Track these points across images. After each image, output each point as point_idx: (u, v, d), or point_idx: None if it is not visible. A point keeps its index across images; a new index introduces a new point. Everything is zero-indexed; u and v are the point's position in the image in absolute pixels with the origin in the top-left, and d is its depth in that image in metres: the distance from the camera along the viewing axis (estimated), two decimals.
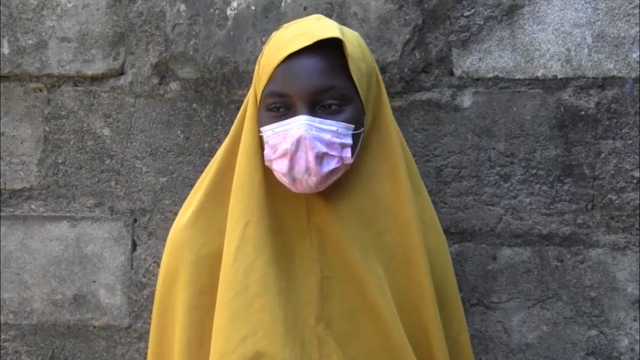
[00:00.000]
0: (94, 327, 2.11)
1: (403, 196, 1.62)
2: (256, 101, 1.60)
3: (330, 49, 1.54)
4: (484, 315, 1.99)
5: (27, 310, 2.13)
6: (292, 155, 1.52)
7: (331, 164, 1.54)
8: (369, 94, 1.60)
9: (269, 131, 1.55)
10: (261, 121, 1.58)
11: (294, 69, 1.53)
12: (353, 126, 1.55)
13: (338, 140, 1.54)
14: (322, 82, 1.53)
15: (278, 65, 1.54)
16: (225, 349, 1.54)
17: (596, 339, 1.96)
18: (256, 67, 1.64)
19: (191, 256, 1.63)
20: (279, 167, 1.55)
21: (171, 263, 1.66)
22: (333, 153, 1.54)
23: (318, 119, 1.53)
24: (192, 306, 1.62)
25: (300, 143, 1.52)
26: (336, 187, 1.59)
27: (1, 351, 2.14)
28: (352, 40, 1.59)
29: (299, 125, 1.52)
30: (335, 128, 1.54)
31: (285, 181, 1.56)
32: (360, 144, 1.59)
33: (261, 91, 1.57)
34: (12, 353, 2.14)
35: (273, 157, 1.56)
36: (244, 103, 1.67)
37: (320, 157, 1.53)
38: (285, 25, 1.64)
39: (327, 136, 1.53)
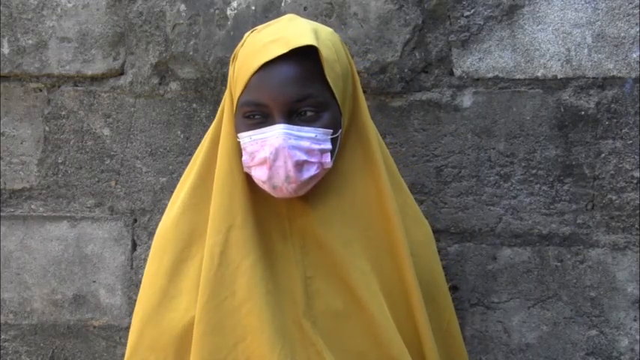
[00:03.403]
0: (94, 327, 2.11)
1: (383, 191, 1.62)
2: (232, 105, 1.60)
3: (304, 54, 1.53)
4: (484, 315, 1.99)
5: (27, 310, 2.13)
6: (271, 164, 1.52)
7: (311, 171, 1.54)
8: (345, 94, 1.60)
9: (246, 138, 1.55)
10: (237, 127, 1.57)
11: (270, 78, 1.52)
12: (331, 131, 1.55)
13: (317, 146, 1.54)
14: (299, 92, 1.52)
15: (253, 74, 1.53)
16: (216, 356, 1.54)
17: (596, 339, 1.96)
18: (230, 69, 1.62)
19: (171, 259, 1.63)
20: (259, 175, 1.55)
21: (152, 265, 1.66)
22: (312, 160, 1.54)
23: (296, 127, 1.53)
24: (158, 304, 1.61)
25: (279, 152, 1.51)
26: (316, 188, 1.59)
27: (1, 351, 2.14)
28: (327, 41, 1.58)
29: (277, 134, 1.52)
30: (313, 135, 1.53)
31: (265, 187, 1.56)
32: (338, 145, 1.59)
33: (237, 98, 1.56)
34: (12, 353, 2.14)
35: (251, 164, 1.55)
36: (222, 104, 1.66)
37: (300, 165, 1.53)
38: (259, 28, 1.62)
39: (306, 144, 1.53)
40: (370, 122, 1.66)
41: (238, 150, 1.59)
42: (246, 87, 1.54)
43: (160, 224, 1.69)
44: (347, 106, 1.61)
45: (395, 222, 1.61)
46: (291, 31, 1.57)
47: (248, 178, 1.59)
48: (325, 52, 1.54)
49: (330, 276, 1.60)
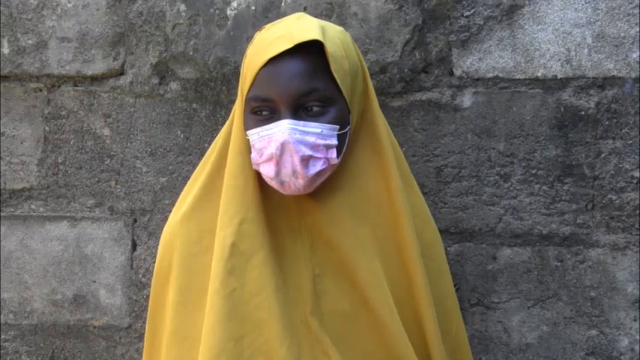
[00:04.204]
0: (94, 327, 2.11)
1: (394, 190, 1.62)
2: (242, 103, 1.60)
3: (311, 50, 1.54)
4: (484, 315, 1.99)
5: (27, 310, 2.13)
6: (278, 160, 1.53)
7: (317, 166, 1.54)
8: (353, 92, 1.60)
9: (254, 135, 1.56)
10: (246, 124, 1.58)
11: (276, 73, 1.53)
12: (337, 127, 1.55)
13: (323, 142, 1.54)
14: (304, 86, 1.53)
15: (260, 69, 1.54)
16: (222, 347, 1.54)
17: (596, 339, 1.96)
18: (242, 67, 1.64)
19: (181, 253, 1.63)
20: (267, 171, 1.56)
21: (163, 260, 1.67)
22: (318, 155, 1.54)
23: (301, 122, 1.53)
24: (177, 301, 1.62)
25: (284, 147, 1.52)
26: (326, 186, 1.60)
27: (1, 351, 2.14)
28: (334, 38, 1.58)
29: (282, 130, 1.52)
30: (319, 130, 1.54)
31: (273, 184, 1.57)
32: (347, 142, 1.59)
33: (245, 94, 1.57)
34: (12, 353, 2.14)
35: (260, 161, 1.56)
36: (235, 104, 1.67)
37: (306, 160, 1.53)
38: (268, 26, 1.64)
39: (312, 139, 1.53)
40: (382, 121, 1.66)
41: (250, 147, 1.59)
42: (253, 82, 1.55)
43: (169, 221, 1.69)
44: (356, 104, 1.61)
45: (405, 222, 1.61)
46: (298, 27, 1.57)
47: (258, 176, 1.60)
48: (332, 48, 1.55)
49: (338, 275, 1.60)
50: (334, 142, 1.55)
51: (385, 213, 1.63)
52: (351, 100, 1.59)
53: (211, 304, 1.56)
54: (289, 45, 1.52)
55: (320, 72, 1.54)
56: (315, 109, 1.54)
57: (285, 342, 1.53)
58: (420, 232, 1.65)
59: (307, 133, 1.53)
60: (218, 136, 1.69)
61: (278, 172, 1.54)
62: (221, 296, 1.56)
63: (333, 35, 1.58)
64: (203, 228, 1.63)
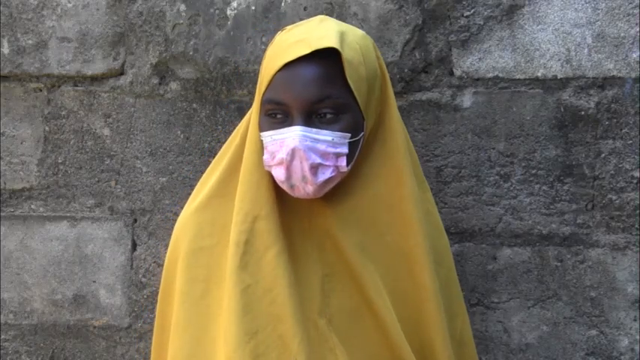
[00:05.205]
0: (94, 327, 2.11)
1: (406, 196, 1.62)
2: (258, 104, 1.61)
3: (328, 55, 1.54)
4: (484, 315, 1.99)
5: (27, 310, 2.13)
6: (288, 165, 1.54)
7: (326, 174, 1.55)
8: (370, 98, 1.60)
9: (268, 137, 1.57)
10: (261, 126, 1.59)
11: (291, 78, 1.54)
12: (349, 135, 1.56)
13: (333, 150, 1.54)
14: (318, 93, 1.53)
15: (276, 72, 1.54)
16: (238, 342, 1.55)
17: (596, 339, 1.96)
18: (260, 67, 1.64)
19: (190, 246, 1.64)
20: (278, 174, 1.57)
21: (173, 253, 1.68)
22: (327, 163, 1.55)
23: (313, 130, 1.54)
24: (183, 292, 1.63)
25: (295, 154, 1.53)
26: (338, 189, 1.60)
27: (1, 351, 2.14)
28: (353, 44, 1.58)
29: (294, 136, 1.53)
30: (330, 138, 1.54)
31: (284, 187, 1.58)
32: (359, 149, 1.60)
33: (261, 95, 1.58)
34: (12, 353, 2.14)
35: (271, 164, 1.57)
36: (254, 101, 1.68)
37: (315, 168, 1.54)
38: (289, 28, 1.64)
39: (322, 147, 1.54)
40: (399, 127, 1.66)
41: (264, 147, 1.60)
42: (269, 85, 1.56)
43: (181, 214, 1.69)
44: (372, 110, 1.61)
45: (416, 229, 1.62)
46: (317, 32, 1.58)
47: (272, 174, 1.60)
48: (349, 55, 1.55)
49: (344, 275, 1.61)
50: (344, 150, 1.56)
51: (396, 219, 1.63)
52: (367, 107, 1.59)
53: (228, 302, 1.58)
54: (306, 51, 1.52)
55: (335, 78, 1.55)
56: (329, 115, 1.54)
57: (296, 337, 1.54)
58: (431, 238, 1.65)
59: (318, 140, 1.54)
60: (235, 132, 1.70)
61: (289, 177, 1.55)
62: (236, 292, 1.57)
63: (352, 41, 1.58)
64: (216, 221, 1.64)
